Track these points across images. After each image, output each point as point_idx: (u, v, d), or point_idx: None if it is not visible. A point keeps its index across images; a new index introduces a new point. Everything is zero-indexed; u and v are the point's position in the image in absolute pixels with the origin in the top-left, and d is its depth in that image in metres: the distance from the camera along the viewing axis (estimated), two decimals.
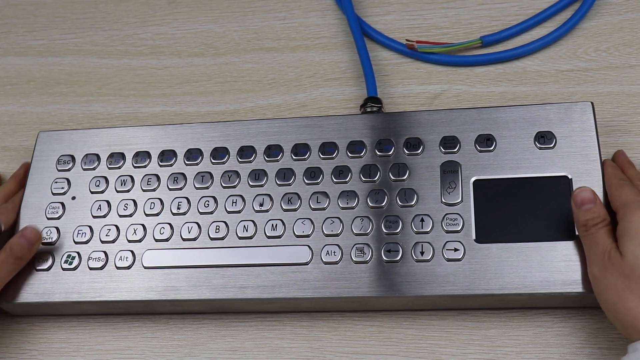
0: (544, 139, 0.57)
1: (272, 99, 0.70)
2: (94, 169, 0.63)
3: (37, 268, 0.59)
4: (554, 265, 0.52)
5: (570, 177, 0.55)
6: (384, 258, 0.54)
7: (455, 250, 0.54)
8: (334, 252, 0.55)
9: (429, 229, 0.55)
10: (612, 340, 0.53)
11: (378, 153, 0.59)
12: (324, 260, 0.55)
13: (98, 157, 0.64)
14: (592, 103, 0.58)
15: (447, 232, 0.54)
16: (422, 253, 0.54)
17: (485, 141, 0.57)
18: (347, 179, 0.58)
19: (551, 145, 0.56)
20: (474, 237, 0.54)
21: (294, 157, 0.60)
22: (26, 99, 0.75)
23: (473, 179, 0.56)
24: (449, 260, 0.53)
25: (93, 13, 0.81)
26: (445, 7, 0.73)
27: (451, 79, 0.68)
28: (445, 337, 0.54)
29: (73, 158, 0.64)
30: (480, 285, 0.53)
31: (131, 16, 0.79)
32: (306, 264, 0.55)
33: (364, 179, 0.58)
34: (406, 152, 0.58)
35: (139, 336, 0.58)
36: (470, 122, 0.59)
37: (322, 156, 0.60)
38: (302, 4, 0.76)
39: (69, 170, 0.63)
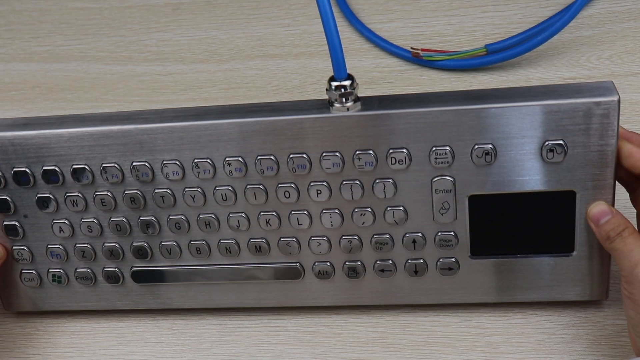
0: (553, 152, 0.48)
1: None
2: (31, 186, 0.54)
3: (28, 286, 0.58)
4: (553, 279, 0.53)
5: (576, 192, 0.49)
6: (377, 276, 0.54)
7: (450, 269, 0.53)
8: (326, 271, 0.54)
9: (421, 248, 0.53)
10: (615, 347, 0.53)
11: (359, 170, 0.50)
12: (317, 276, 0.55)
13: (31, 174, 0.53)
14: (618, 100, 0.46)
15: (441, 248, 0.53)
16: (415, 272, 0.53)
17: (484, 155, 0.48)
18: (327, 198, 0.51)
19: (560, 160, 0.48)
20: (469, 253, 0.53)
21: (262, 174, 0.51)
22: (31, 105, 0.75)
23: (469, 194, 0.51)
24: (443, 275, 0.54)
25: (98, 19, 0.81)
26: (448, 15, 0.73)
27: (454, 87, 0.68)
28: (449, 343, 0.54)
29: (2, 174, 0.53)
30: (477, 296, 0.54)
31: (135, 22, 0.80)
32: (299, 279, 0.55)
33: (346, 198, 0.52)
34: (391, 166, 0.50)
35: (143, 341, 0.58)
36: (467, 128, 0.48)
37: (294, 172, 0.51)
38: (305, 11, 0.77)
39: (2, 188, 0.54)
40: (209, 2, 0.80)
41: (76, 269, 0.57)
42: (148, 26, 0.79)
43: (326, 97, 0.49)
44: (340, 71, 0.47)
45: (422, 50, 0.69)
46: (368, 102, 0.49)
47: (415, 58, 0.69)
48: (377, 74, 0.70)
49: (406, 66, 0.71)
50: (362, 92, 0.69)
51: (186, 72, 0.75)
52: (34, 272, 0.57)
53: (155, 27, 0.79)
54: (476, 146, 0.48)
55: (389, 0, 0.76)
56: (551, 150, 0.48)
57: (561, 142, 0.47)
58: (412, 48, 0.69)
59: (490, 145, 0.48)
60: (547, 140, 0.48)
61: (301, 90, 0.71)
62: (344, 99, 0.48)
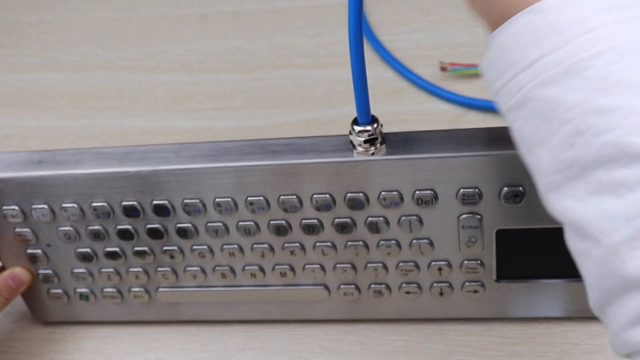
0: None
1: (301, 115, 0.71)
2: (51, 220, 0.53)
3: (56, 303, 0.59)
4: (580, 298, 0.52)
5: None
6: (403, 297, 0.55)
7: (475, 292, 0.53)
8: (352, 293, 0.55)
9: (447, 274, 0.53)
10: None
11: (384, 207, 0.49)
12: (343, 298, 0.55)
13: (50, 210, 0.52)
14: None
15: (467, 274, 0.53)
16: (441, 294, 0.54)
17: (513, 197, 0.47)
18: (351, 232, 0.51)
19: None
20: (494, 277, 0.53)
21: (285, 212, 0.50)
22: (59, 113, 0.76)
23: (496, 229, 0.49)
24: (469, 297, 0.54)
25: (125, 29, 0.82)
26: (472, 25, 0.73)
27: (479, 97, 0.68)
28: (473, 352, 0.55)
29: (22, 210, 0.53)
30: (502, 312, 0.54)
31: (162, 32, 0.81)
32: (325, 300, 0.56)
33: (371, 233, 0.52)
34: (417, 205, 0.49)
35: (169, 348, 0.58)
36: (496, 171, 0.46)
37: (318, 210, 0.50)
38: (330, 21, 0.77)
39: (23, 221, 0.54)
40: (235, 12, 0.81)
41: (103, 288, 0.57)
42: (174, 36, 0.80)
43: (348, 136, 0.47)
44: (364, 116, 0.45)
45: (450, 64, 0.69)
46: (393, 144, 0.47)
47: (427, 84, 0.69)
48: (401, 84, 0.71)
49: (432, 77, 0.71)
50: (386, 102, 0.70)
51: (212, 81, 0.75)
52: (60, 290, 0.58)
53: (182, 37, 0.80)
54: (505, 188, 0.47)
55: (413, 11, 0.77)
56: None
57: None
58: (440, 62, 0.69)
59: (520, 188, 0.46)
60: None
61: (326, 100, 0.71)
62: (368, 144, 0.46)
